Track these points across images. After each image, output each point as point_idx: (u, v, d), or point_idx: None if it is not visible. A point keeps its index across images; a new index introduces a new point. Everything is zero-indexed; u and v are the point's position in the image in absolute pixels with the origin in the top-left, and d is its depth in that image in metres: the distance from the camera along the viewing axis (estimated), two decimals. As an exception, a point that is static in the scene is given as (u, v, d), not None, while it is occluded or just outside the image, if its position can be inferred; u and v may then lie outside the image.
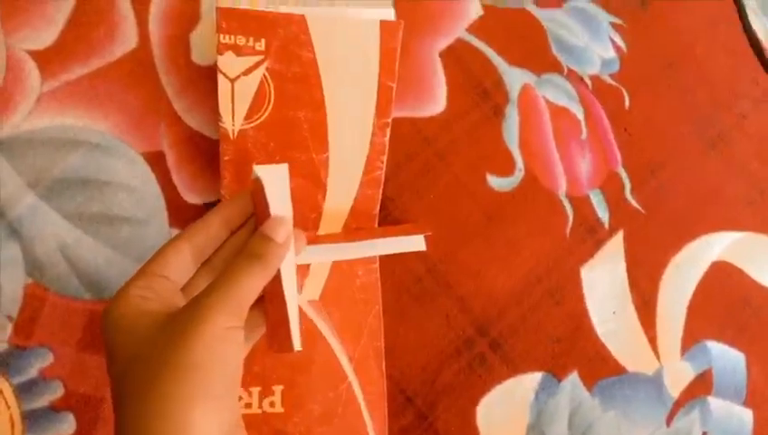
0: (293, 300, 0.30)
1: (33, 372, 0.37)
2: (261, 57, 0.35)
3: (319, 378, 0.38)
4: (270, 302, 0.30)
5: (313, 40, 0.36)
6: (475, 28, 0.43)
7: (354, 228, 0.38)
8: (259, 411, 0.37)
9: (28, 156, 0.37)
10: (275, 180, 0.30)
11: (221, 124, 0.36)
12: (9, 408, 0.37)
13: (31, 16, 0.38)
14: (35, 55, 0.38)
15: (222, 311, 0.26)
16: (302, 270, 0.38)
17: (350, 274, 0.38)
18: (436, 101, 0.42)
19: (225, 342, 0.26)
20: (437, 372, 0.41)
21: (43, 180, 0.38)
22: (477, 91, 0.43)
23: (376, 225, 0.39)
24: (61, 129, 0.38)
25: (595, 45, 0.45)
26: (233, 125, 0.36)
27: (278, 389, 0.37)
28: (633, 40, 0.45)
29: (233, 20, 0.35)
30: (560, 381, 0.42)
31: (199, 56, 0.40)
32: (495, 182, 0.42)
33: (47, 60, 0.38)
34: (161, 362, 0.25)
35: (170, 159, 0.39)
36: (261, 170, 0.29)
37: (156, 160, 0.39)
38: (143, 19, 0.39)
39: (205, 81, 0.39)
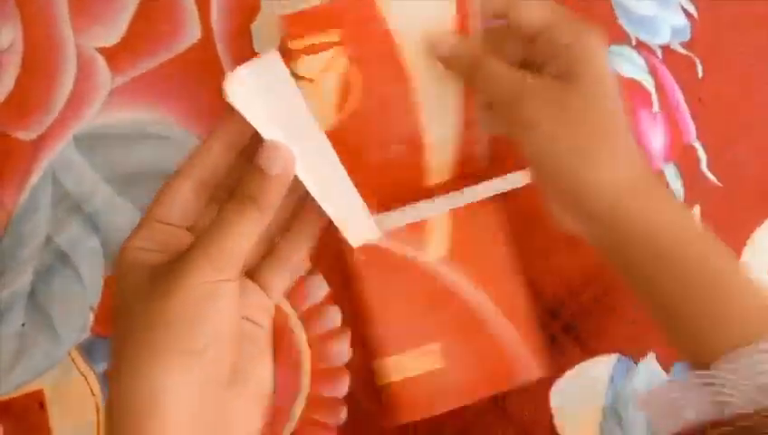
0: (333, 196, 0.29)
1: (115, 360, 0.39)
2: (338, 48, 0.35)
3: (460, 331, 0.38)
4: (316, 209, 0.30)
5: (386, 17, 0.35)
6: (537, 2, 0.42)
7: (458, 177, 0.39)
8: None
9: (102, 151, 0.39)
10: (258, 85, 0.26)
11: None
12: (95, 395, 0.38)
13: (99, 15, 0.39)
14: (104, 52, 0.39)
15: (207, 265, 0.24)
16: (419, 228, 0.38)
17: (471, 220, 0.38)
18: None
19: (210, 297, 0.24)
20: (509, 356, 0.40)
21: (118, 174, 0.39)
22: (542, 67, 0.42)
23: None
24: (132, 123, 0.39)
25: (664, 13, 0.43)
26: (326, 119, 0.35)
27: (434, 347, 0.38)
28: (704, 5, 0.43)
29: (300, 24, 0.33)
30: (636, 363, 0.41)
31: (261, 46, 0.40)
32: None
33: (116, 56, 0.39)
34: (139, 317, 0.24)
35: (237, 149, 0.39)
36: (233, 78, 0.26)
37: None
38: (205, 12, 0.40)
39: (267, 70, 0.40)
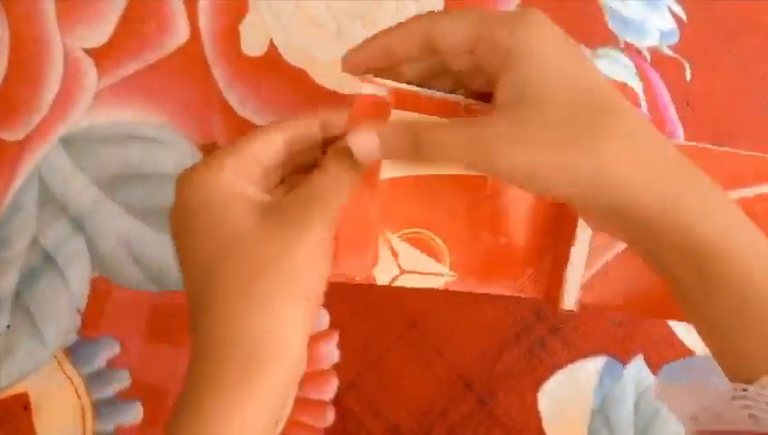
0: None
1: (101, 363, 0.38)
2: None
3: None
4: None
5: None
6: (526, 5, 0.42)
7: None
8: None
9: (89, 152, 0.38)
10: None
11: None
12: (80, 398, 0.38)
13: (86, 15, 0.39)
14: (91, 53, 0.39)
15: (323, 223, 0.26)
16: None
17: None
18: (488, 82, 0.41)
19: (321, 252, 0.26)
20: (497, 358, 0.40)
21: (105, 175, 0.38)
22: (530, 70, 0.42)
23: None
24: (119, 124, 0.39)
25: (653, 16, 0.43)
26: None
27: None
28: (693, 9, 0.43)
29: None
30: (624, 364, 0.41)
31: (249, 47, 0.40)
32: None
33: (103, 57, 0.39)
34: (264, 259, 0.25)
35: (225, 151, 0.39)
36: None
37: (211, 152, 0.39)
38: (193, 12, 0.39)
39: (255, 71, 0.40)
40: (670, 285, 0.28)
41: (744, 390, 0.25)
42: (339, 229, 0.29)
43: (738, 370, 0.26)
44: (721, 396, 0.26)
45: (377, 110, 0.29)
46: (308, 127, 0.29)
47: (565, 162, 0.25)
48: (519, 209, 0.34)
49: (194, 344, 0.25)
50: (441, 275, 0.33)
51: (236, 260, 0.25)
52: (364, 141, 0.27)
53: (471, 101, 0.31)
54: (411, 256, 0.32)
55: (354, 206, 0.29)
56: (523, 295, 0.35)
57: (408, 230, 0.32)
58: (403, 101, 0.29)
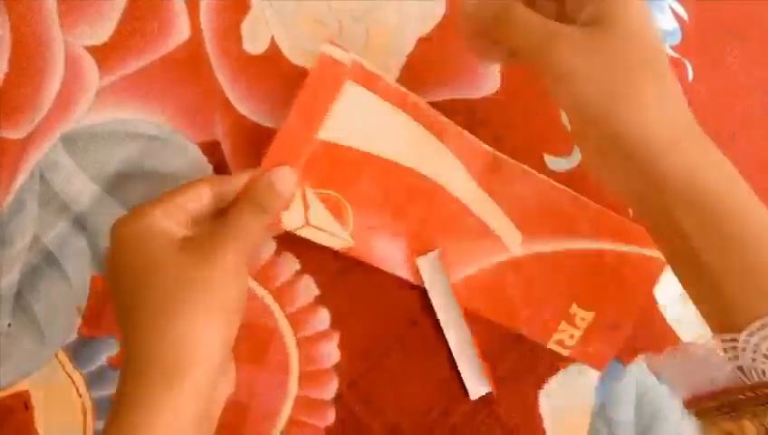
0: None
1: (101, 361, 0.38)
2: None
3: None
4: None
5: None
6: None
7: None
8: None
9: (90, 150, 0.38)
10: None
11: None
12: (81, 396, 0.38)
13: (88, 13, 0.39)
14: (93, 51, 0.39)
15: (238, 248, 0.30)
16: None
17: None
18: (490, 80, 0.41)
19: (235, 272, 0.30)
20: (499, 358, 0.40)
21: (105, 174, 0.38)
22: (532, 69, 0.42)
23: None
24: (120, 122, 0.38)
25: (655, 16, 0.43)
26: (344, 241, 0.37)
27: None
28: (695, 9, 0.43)
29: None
30: (625, 365, 0.41)
31: (251, 46, 0.40)
32: (554, 163, 0.41)
33: (104, 55, 0.39)
34: (181, 278, 0.28)
35: (226, 149, 0.39)
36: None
37: (212, 150, 0.39)
38: (194, 10, 0.39)
39: (257, 70, 0.39)
40: (663, 231, 0.29)
41: (734, 339, 0.26)
42: (263, 162, 0.33)
43: (728, 320, 0.27)
44: (709, 353, 0.27)
45: (333, 74, 0.32)
46: (235, 184, 0.32)
47: (600, 69, 0.28)
48: (429, 206, 0.38)
49: (125, 355, 0.29)
50: (340, 237, 0.37)
51: (157, 279, 0.29)
52: (283, 177, 0.32)
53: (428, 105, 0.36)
54: (320, 214, 0.36)
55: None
56: (413, 281, 0.39)
57: (325, 191, 0.36)
58: (362, 77, 0.32)
